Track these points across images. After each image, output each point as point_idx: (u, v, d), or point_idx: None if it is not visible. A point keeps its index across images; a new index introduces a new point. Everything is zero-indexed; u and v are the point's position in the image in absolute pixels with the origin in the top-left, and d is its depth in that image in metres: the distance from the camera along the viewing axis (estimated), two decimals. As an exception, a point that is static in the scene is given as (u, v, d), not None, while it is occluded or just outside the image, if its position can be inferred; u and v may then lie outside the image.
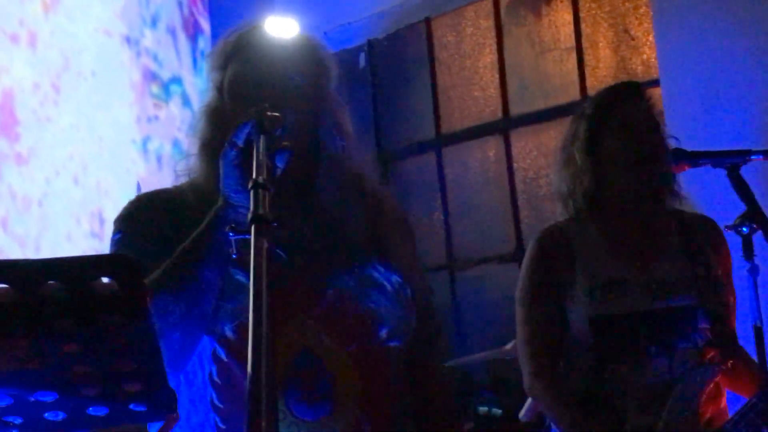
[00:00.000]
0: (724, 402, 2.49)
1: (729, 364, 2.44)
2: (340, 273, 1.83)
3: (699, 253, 2.50)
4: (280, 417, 1.71)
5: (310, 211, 1.85)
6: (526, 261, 2.55)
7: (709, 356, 2.45)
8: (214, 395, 1.79)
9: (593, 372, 2.44)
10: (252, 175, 1.48)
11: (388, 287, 1.85)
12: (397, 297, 1.86)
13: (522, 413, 3.72)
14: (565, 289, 2.47)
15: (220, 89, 1.87)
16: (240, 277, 1.72)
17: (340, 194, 1.86)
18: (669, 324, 2.43)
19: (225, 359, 1.77)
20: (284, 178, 1.62)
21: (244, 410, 1.73)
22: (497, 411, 3.52)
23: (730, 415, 2.45)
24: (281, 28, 1.88)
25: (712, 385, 2.43)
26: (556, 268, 2.49)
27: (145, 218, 1.84)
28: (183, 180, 1.89)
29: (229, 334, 1.75)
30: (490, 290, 5.08)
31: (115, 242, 1.84)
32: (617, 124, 2.48)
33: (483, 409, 3.57)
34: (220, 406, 1.78)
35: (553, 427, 2.55)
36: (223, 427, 1.78)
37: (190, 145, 1.89)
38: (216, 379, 1.79)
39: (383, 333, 1.85)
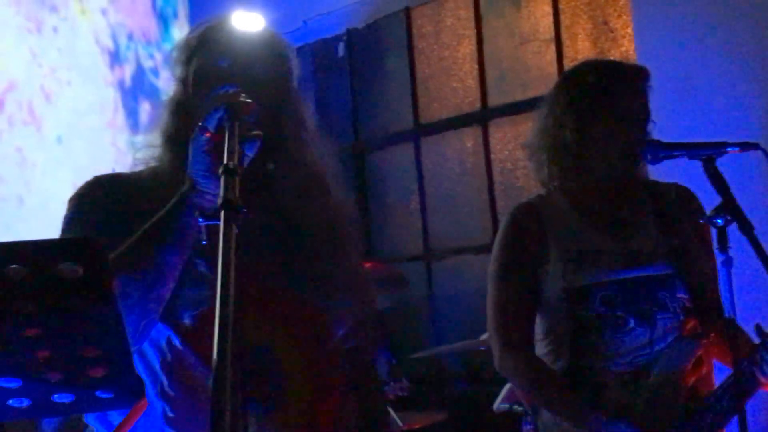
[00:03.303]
0: (707, 368, 2.44)
1: (711, 337, 2.40)
2: (298, 273, 1.82)
3: (674, 223, 2.48)
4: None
5: (270, 208, 1.83)
6: (498, 237, 2.52)
7: (689, 327, 2.42)
8: (165, 383, 1.76)
9: (573, 347, 2.41)
10: (221, 161, 1.46)
11: (345, 289, 1.85)
12: (353, 299, 1.86)
13: (496, 404, 3.72)
14: (538, 264, 2.44)
15: (184, 82, 1.86)
16: (202, 268, 1.70)
17: (300, 192, 1.85)
18: (646, 293, 2.41)
19: (180, 347, 1.75)
20: (245, 171, 1.60)
21: (195, 399, 1.72)
22: (518, 407, 3.53)
23: (713, 382, 2.42)
24: (246, 23, 1.89)
25: (694, 357, 2.40)
26: (528, 243, 2.46)
27: (100, 200, 1.81)
28: (141, 167, 1.87)
29: (187, 321, 1.73)
30: (466, 281, 5.07)
31: (67, 221, 1.80)
32: (617, 109, 2.44)
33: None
34: (171, 394, 1.75)
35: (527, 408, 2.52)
36: (172, 415, 1.75)
37: (153, 137, 1.87)
38: (169, 367, 1.76)
39: (340, 334, 1.85)
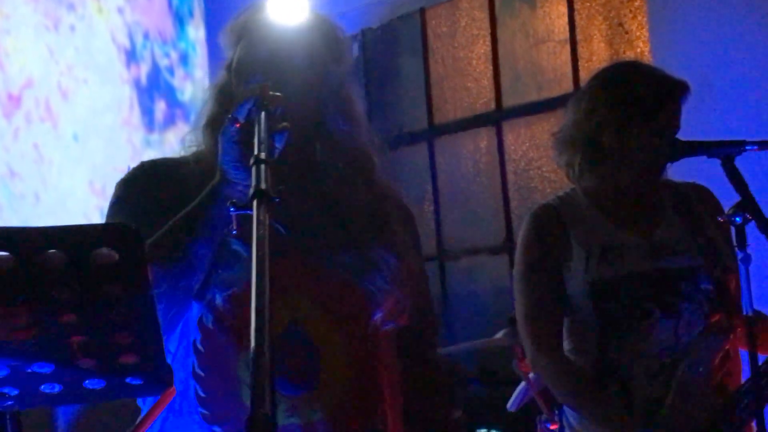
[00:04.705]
0: (735, 363, 2.44)
1: (738, 332, 2.40)
2: (339, 252, 1.82)
3: (696, 220, 2.49)
4: None
5: (310, 189, 1.85)
6: (521, 240, 2.53)
7: (714, 320, 2.43)
8: (195, 363, 1.77)
9: (599, 344, 2.40)
10: (252, 151, 1.47)
11: (386, 269, 1.84)
12: (394, 279, 1.85)
13: (510, 403, 3.72)
14: (562, 262, 2.45)
15: (229, 68, 1.88)
16: (237, 247, 1.71)
17: (341, 175, 1.85)
18: (671, 285, 2.41)
19: (211, 327, 1.76)
20: (285, 156, 1.61)
21: (223, 379, 1.73)
22: None
23: (741, 377, 2.41)
24: (292, 7, 1.87)
25: (722, 351, 2.39)
26: (551, 243, 2.47)
27: (146, 185, 1.83)
28: (189, 150, 1.89)
29: (219, 302, 1.74)
30: (479, 281, 5.08)
31: (112, 206, 1.83)
32: (661, 125, 2.45)
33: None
34: (201, 374, 1.77)
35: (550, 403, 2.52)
36: (203, 395, 1.77)
37: (198, 120, 1.89)
38: (200, 346, 1.77)
39: (378, 316, 1.84)
